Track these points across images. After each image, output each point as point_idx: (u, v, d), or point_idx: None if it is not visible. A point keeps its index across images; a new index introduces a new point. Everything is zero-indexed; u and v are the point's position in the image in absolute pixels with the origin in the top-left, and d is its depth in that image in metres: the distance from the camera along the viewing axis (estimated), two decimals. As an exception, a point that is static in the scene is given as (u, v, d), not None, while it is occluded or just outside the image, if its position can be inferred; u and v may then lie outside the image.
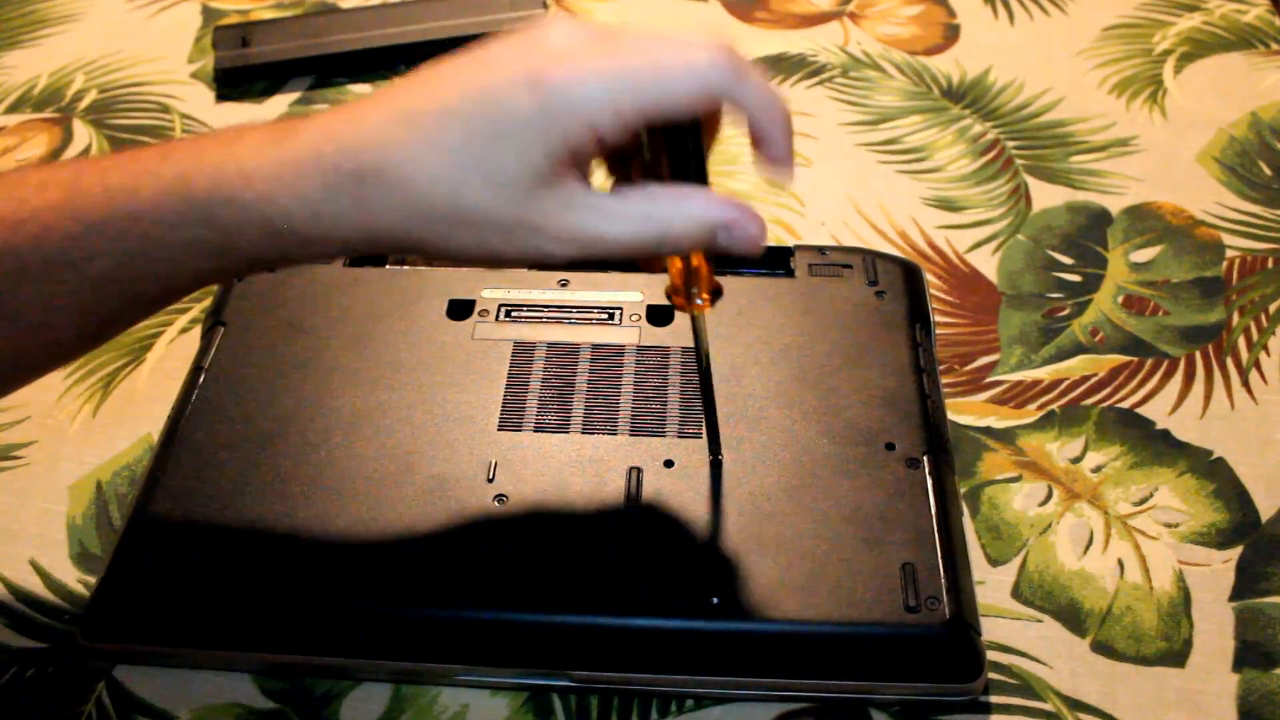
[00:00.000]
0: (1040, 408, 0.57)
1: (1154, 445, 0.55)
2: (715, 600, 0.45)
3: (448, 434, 0.51)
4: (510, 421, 0.52)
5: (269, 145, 0.40)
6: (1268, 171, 0.69)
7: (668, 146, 0.40)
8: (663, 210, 0.40)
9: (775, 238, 0.66)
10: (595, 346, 0.55)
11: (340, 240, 0.40)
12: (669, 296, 0.45)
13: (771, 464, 0.50)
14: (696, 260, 0.43)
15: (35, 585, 0.51)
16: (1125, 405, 0.56)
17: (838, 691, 0.46)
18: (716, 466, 0.50)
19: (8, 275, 0.40)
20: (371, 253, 0.42)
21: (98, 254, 0.40)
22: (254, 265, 0.43)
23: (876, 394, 0.52)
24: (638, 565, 0.46)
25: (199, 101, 0.77)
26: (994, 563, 0.51)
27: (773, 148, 0.41)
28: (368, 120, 0.39)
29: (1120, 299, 0.62)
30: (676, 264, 0.44)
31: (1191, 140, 0.71)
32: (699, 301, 0.44)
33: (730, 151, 0.69)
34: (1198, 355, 0.59)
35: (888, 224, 0.66)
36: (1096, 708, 0.46)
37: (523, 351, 0.55)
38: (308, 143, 0.39)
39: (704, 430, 0.51)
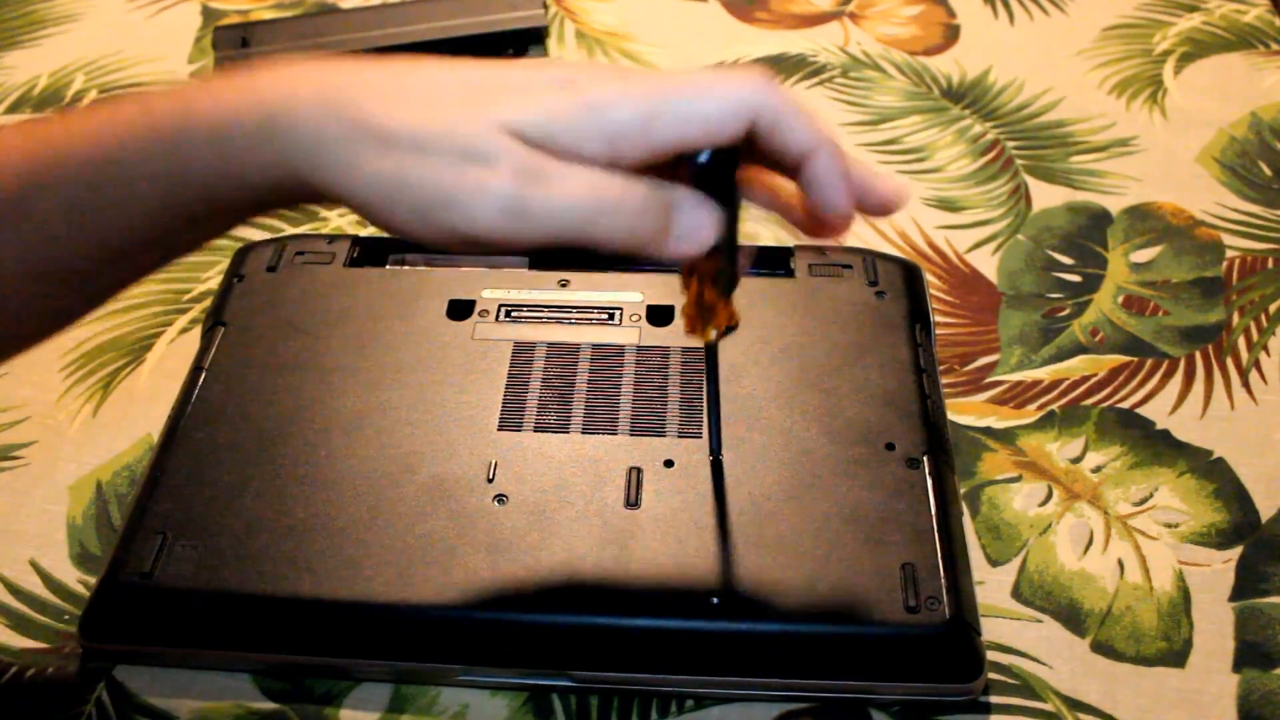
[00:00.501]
0: (1040, 408, 0.57)
1: (1154, 445, 0.55)
2: (715, 600, 0.45)
3: (448, 434, 0.51)
4: (510, 421, 0.52)
5: (245, 73, 0.38)
6: (1268, 171, 0.69)
7: (698, 181, 0.38)
8: (628, 175, 0.36)
9: (775, 238, 0.66)
10: (595, 346, 0.55)
11: (290, 172, 0.37)
12: (690, 330, 0.44)
13: (771, 464, 0.50)
14: (709, 296, 0.43)
15: (35, 585, 0.51)
16: (1125, 405, 0.56)
17: (838, 691, 0.46)
18: (717, 466, 0.50)
19: None
20: (313, 198, 0.39)
21: (47, 192, 0.38)
22: (209, 208, 0.39)
23: (876, 394, 0.52)
24: (638, 565, 0.46)
25: (199, 101, 0.77)
26: (994, 563, 0.51)
27: (825, 178, 0.38)
28: (352, 70, 0.38)
29: (1120, 299, 0.62)
30: (693, 294, 0.43)
31: (1191, 140, 0.71)
32: (713, 332, 0.44)
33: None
34: (1198, 355, 0.59)
35: (888, 224, 0.66)
36: (1096, 708, 0.46)
37: (523, 351, 0.55)
38: (283, 69, 0.38)
39: (706, 429, 0.51)
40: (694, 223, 0.38)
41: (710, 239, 0.38)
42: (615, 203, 0.36)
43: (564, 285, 0.58)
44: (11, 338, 0.43)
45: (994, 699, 0.46)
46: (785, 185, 0.41)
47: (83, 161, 0.38)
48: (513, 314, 0.57)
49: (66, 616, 0.50)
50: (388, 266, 0.60)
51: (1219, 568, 0.50)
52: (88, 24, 0.84)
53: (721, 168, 0.38)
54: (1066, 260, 0.64)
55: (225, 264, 0.62)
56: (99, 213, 0.39)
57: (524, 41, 0.80)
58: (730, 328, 0.44)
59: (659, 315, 0.57)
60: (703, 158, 0.37)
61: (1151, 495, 0.53)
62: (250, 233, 0.67)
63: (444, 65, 0.38)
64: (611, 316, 0.57)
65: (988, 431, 0.56)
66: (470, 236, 0.36)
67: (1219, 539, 0.51)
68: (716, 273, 0.42)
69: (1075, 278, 0.63)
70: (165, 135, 0.38)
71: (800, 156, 0.38)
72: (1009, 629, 0.48)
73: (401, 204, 0.36)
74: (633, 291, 0.58)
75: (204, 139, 0.37)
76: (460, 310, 0.57)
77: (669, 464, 0.50)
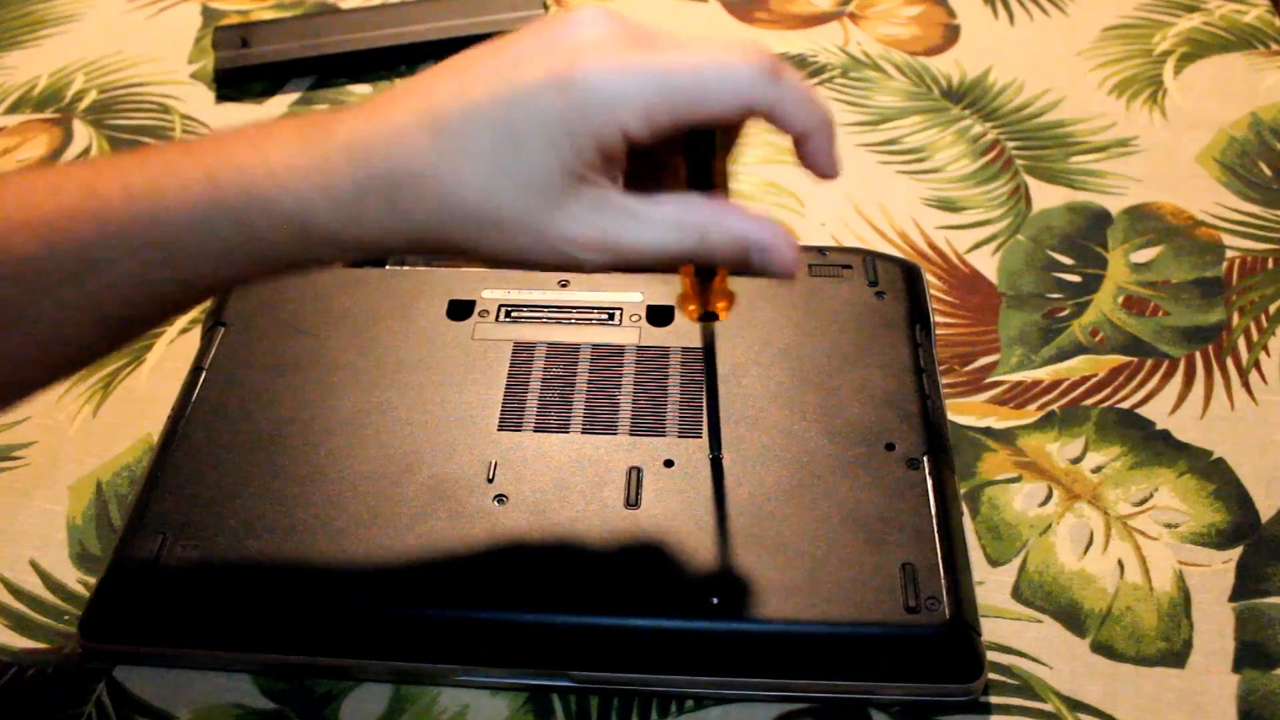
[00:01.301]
0: (1040, 408, 0.57)
1: (1154, 445, 0.55)
2: (715, 600, 0.45)
3: (448, 434, 0.51)
4: (510, 421, 0.52)
5: (298, 145, 0.39)
6: (1268, 171, 0.69)
7: (685, 152, 0.40)
8: (700, 220, 0.39)
9: (775, 238, 0.66)
10: (595, 346, 0.55)
11: (372, 241, 0.39)
12: (680, 306, 0.45)
13: (771, 464, 0.50)
14: (719, 275, 0.43)
15: (35, 585, 0.51)
16: (1125, 405, 0.56)
17: (838, 692, 0.46)
18: (717, 466, 0.50)
19: (20, 282, 0.39)
20: (404, 253, 0.42)
21: (117, 259, 0.39)
22: (279, 267, 0.41)
23: (876, 394, 0.52)
24: (638, 565, 0.46)
25: (199, 102, 0.77)
26: (994, 563, 0.51)
27: (817, 154, 0.40)
28: (396, 121, 0.38)
29: (1120, 299, 0.62)
30: (690, 274, 0.43)
31: (1191, 140, 0.71)
32: (713, 313, 0.44)
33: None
34: (1198, 355, 0.59)
35: (888, 224, 0.66)
36: (1096, 708, 0.46)
37: (523, 352, 0.55)
38: (337, 143, 0.38)
39: (705, 428, 0.51)
40: (774, 262, 0.40)
41: (795, 268, 0.40)
42: (693, 252, 0.40)
43: (564, 285, 0.58)
44: (63, 373, 0.44)
45: (994, 699, 0.46)
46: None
47: (150, 234, 0.39)
48: (513, 314, 0.57)
49: (66, 616, 0.50)
50: (388, 266, 0.60)
51: (1219, 568, 0.50)
52: (88, 24, 0.84)
53: (704, 142, 0.40)
54: (1066, 260, 0.64)
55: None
56: (169, 276, 0.40)
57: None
58: (713, 314, 0.44)
59: (659, 315, 0.57)
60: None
61: (1151, 495, 0.53)
62: (250, 233, 0.67)
63: (461, 90, 0.38)
64: (611, 316, 0.57)
65: (988, 431, 0.56)
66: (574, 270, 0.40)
67: (1219, 539, 0.51)
68: None
69: (1075, 278, 0.63)
70: (234, 216, 0.38)
71: (797, 135, 0.40)
72: (1009, 629, 0.48)
73: (519, 264, 0.40)
74: (633, 291, 0.58)
75: (279, 221, 0.38)
76: (460, 310, 0.57)
77: (669, 464, 0.50)
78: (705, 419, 0.51)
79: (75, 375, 0.53)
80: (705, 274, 0.44)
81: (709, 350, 0.47)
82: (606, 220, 0.38)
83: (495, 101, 0.37)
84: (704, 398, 0.51)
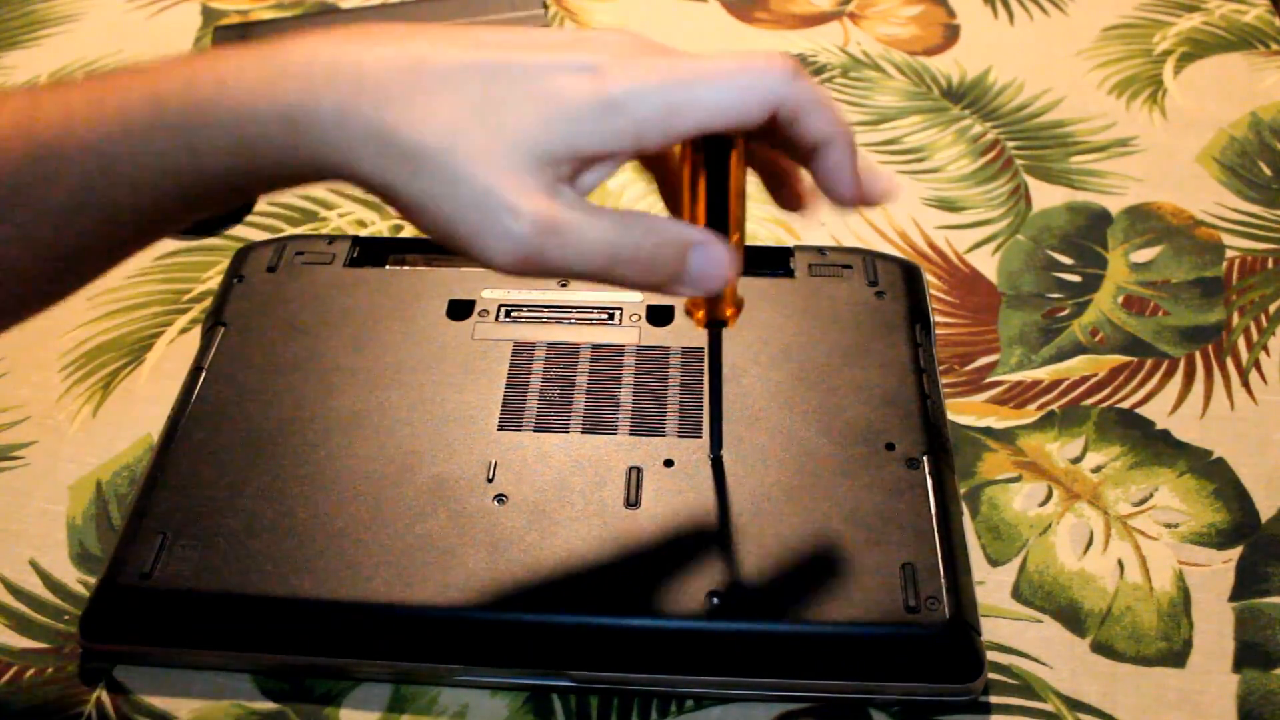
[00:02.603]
0: (1040, 408, 0.57)
1: (1154, 445, 0.55)
2: (715, 600, 0.45)
3: (448, 434, 0.51)
4: (510, 421, 0.52)
5: (250, 59, 0.37)
6: (1268, 171, 0.69)
7: (707, 163, 0.39)
8: (647, 221, 0.38)
9: (775, 238, 0.66)
10: (595, 346, 0.55)
11: (309, 161, 0.37)
12: (689, 312, 0.44)
13: (771, 464, 0.50)
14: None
15: (35, 585, 0.51)
16: (1125, 405, 0.56)
17: (838, 691, 0.46)
18: (717, 466, 0.50)
19: None
20: (331, 181, 0.38)
21: (53, 178, 0.37)
22: (220, 192, 0.39)
23: (876, 394, 0.52)
24: (638, 565, 0.46)
25: (199, 101, 0.77)
26: (994, 563, 0.51)
27: (837, 170, 0.39)
28: (378, 50, 0.37)
29: (1120, 299, 0.62)
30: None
31: (1191, 140, 0.71)
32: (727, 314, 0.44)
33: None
34: (1198, 355, 0.59)
35: (888, 224, 0.66)
36: (1096, 708, 0.46)
37: (523, 351, 0.55)
38: (297, 61, 0.37)
39: (706, 429, 0.51)
40: (709, 265, 0.39)
41: (725, 282, 0.39)
42: (630, 255, 0.37)
43: (564, 285, 0.58)
44: (11, 312, 0.42)
45: (994, 699, 0.46)
46: (781, 162, 0.42)
47: (87, 147, 0.37)
48: (513, 314, 0.57)
49: (66, 616, 0.50)
50: (388, 266, 0.60)
51: (1219, 568, 0.50)
52: (88, 24, 0.84)
53: (722, 150, 0.39)
54: (1066, 260, 0.64)
55: (225, 264, 0.62)
56: (105, 198, 0.38)
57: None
58: (720, 321, 0.44)
59: (659, 315, 0.57)
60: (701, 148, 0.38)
61: (1151, 495, 0.53)
62: (250, 233, 0.67)
63: (459, 48, 0.37)
64: (611, 316, 0.57)
65: (988, 431, 0.56)
66: (486, 265, 0.37)
67: (1219, 539, 0.51)
68: None
69: (1075, 278, 0.63)
70: (175, 122, 0.37)
71: (815, 146, 0.39)
72: (1009, 629, 0.48)
73: (427, 221, 0.37)
74: (632, 291, 0.58)
75: (219, 128, 0.37)
76: (460, 310, 0.57)
77: (669, 464, 0.50)
78: (707, 420, 0.51)
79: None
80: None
81: (715, 355, 0.47)
82: (556, 204, 0.36)
83: (500, 61, 0.36)
84: (706, 399, 0.51)
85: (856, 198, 0.40)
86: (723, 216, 0.40)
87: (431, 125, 0.36)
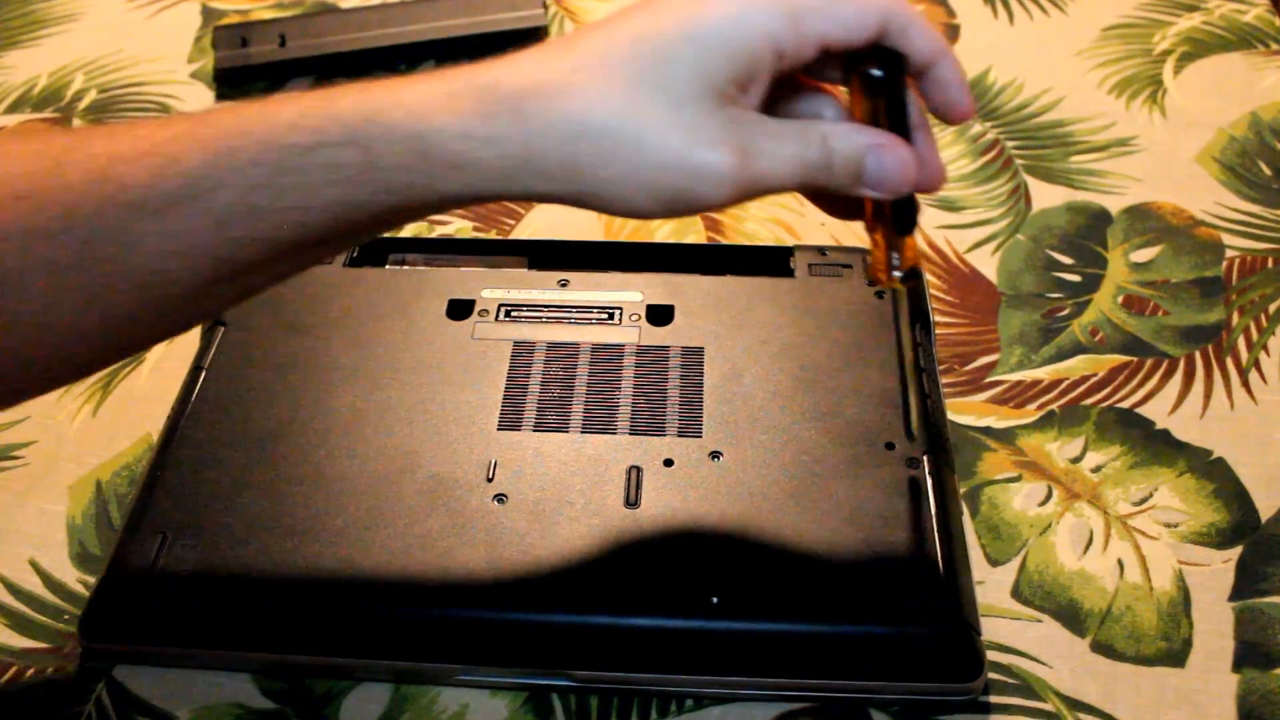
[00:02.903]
0: (1040, 408, 0.57)
1: (1154, 445, 0.55)
2: (715, 600, 0.45)
3: (448, 434, 0.51)
4: (510, 421, 0.52)
5: (421, 79, 0.38)
6: (1268, 171, 0.69)
7: (873, 94, 0.41)
8: (824, 128, 0.40)
9: (775, 238, 0.66)
10: (595, 346, 0.55)
11: (492, 164, 0.38)
12: (872, 272, 0.45)
13: (771, 464, 0.50)
14: (878, 236, 0.43)
15: (35, 585, 0.51)
16: (1125, 405, 0.56)
17: (838, 691, 0.46)
18: (717, 466, 0.50)
19: (125, 209, 0.37)
20: (523, 185, 0.39)
21: (222, 184, 0.37)
22: (393, 205, 0.39)
23: (876, 394, 0.52)
24: (638, 565, 0.46)
25: (199, 101, 0.77)
26: (994, 563, 0.51)
27: (948, 85, 0.41)
28: (524, 60, 0.38)
29: (1120, 299, 0.62)
30: (880, 241, 0.43)
31: (1191, 140, 0.71)
32: (896, 275, 0.44)
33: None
34: (1198, 355, 0.59)
35: (888, 224, 0.66)
36: (1096, 708, 0.46)
37: (523, 351, 0.55)
38: (461, 75, 0.38)
39: (902, 417, 0.51)
40: (888, 164, 0.40)
41: (906, 182, 0.41)
42: (816, 162, 0.39)
43: (564, 285, 0.58)
44: (165, 330, 0.43)
45: (994, 699, 0.46)
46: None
47: (258, 155, 0.37)
48: (513, 314, 0.57)
49: (66, 616, 0.50)
50: (388, 266, 0.60)
51: (1219, 568, 0.50)
52: (87, 24, 0.84)
53: (895, 78, 0.41)
54: (1066, 260, 0.64)
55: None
56: (270, 209, 0.38)
57: (524, 41, 0.80)
58: (915, 271, 0.44)
59: (659, 315, 0.57)
60: (877, 71, 0.41)
61: (1151, 495, 0.53)
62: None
63: (590, 27, 0.39)
64: (611, 316, 0.57)
65: (988, 431, 0.56)
66: (706, 210, 0.40)
67: (1219, 539, 0.51)
68: (898, 208, 0.43)
69: (1075, 278, 0.63)
70: (352, 131, 0.37)
71: (926, 62, 0.41)
72: (1009, 629, 0.48)
73: (642, 200, 0.38)
74: (633, 291, 0.58)
75: (396, 141, 0.37)
76: (460, 310, 0.57)
77: (669, 463, 0.50)
78: (901, 399, 0.51)
79: (181, 333, 0.50)
80: (898, 228, 0.43)
81: (899, 319, 0.48)
82: (745, 133, 0.38)
83: (635, 22, 0.38)
84: (898, 377, 0.51)
85: (970, 109, 0.42)
86: (903, 124, 0.42)
87: (606, 105, 0.37)
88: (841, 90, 0.43)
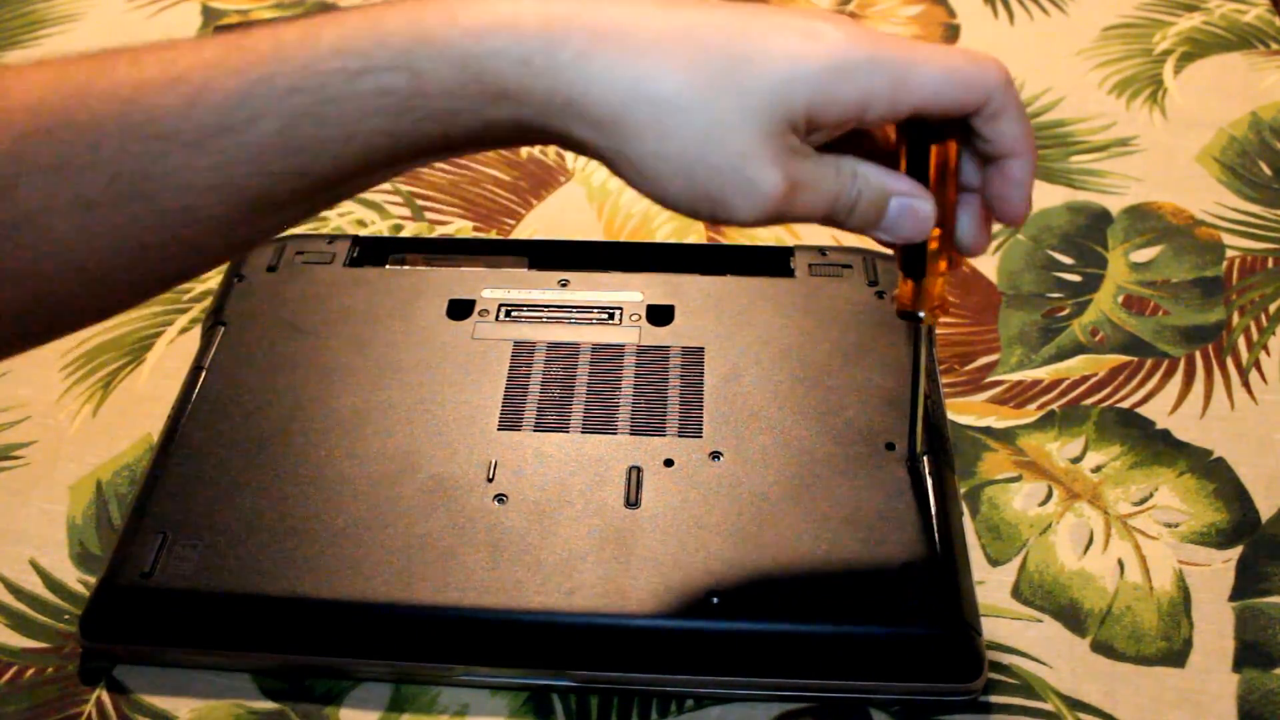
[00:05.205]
0: (1040, 408, 0.57)
1: (1154, 445, 0.55)
2: (715, 600, 0.45)
3: (448, 434, 0.51)
4: (510, 421, 0.52)
5: (481, 2, 0.36)
6: (1268, 171, 0.69)
7: (921, 142, 0.40)
8: (859, 167, 0.39)
9: (775, 238, 0.66)
10: (595, 346, 0.55)
11: (542, 97, 0.35)
12: (900, 314, 0.44)
13: (771, 464, 0.50)
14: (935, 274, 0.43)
15: (35, 585, 0.51)
16: (1125, 405, 0.56)
17: (838, 691, 0.46)
18: (717, 466, 0.50)
19: (156, 141, 0.35)
20: (563, 125, 0.37)
21: (261, 114, 0.35)
22: (434, 135, 0.36)
23: (876, 394, 0.52)
24: (637, 565, 0.46)
25: (199, 101, 0.77)
26: (994, 563, 0.51)
27: (1019, 186, 0.40)
28: (608, 3, 0.36)
29: (1120, 299, 0.62)
30: (908, 283, 0.43)
31: (1191, 140, 0.71)
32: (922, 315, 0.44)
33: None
34: (1198, 355, 0.59)
35: (888, 224, 0.66)
36: (1096, 708, 0.46)
37: (523, 351, 0.55)
38: (528, 5, 0.36)
39: (909, 424, 0.50)
40: (906, 215, 0.40)
41: (919, 233, 0.40)
42: (845, 203, 0.39)
43: (564, 285, 0.58)
44: (198, 265, 0.41)
45: (994, 699, 0.46)
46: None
47: (298, 82, 0.35)
48: (513, 314, 0.57)
49: (66, 616, 0.50)
50: (388, 266, 0.60)
51: (1219, 567, 0.50)
52: (88, 24, 0.84)
53: (948, 135, 0.40)
54: (1066, 260, 0.64)
55: (225, 263, 0.62)
56: (311, 138, 0.36)
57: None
58: (939, 306, 0.44)
59: (659, 315, 0.57)
60: (935, 126, 0.39)
61: (1151, 495, 0.53)
62: (250, 232, 0.67)
63: (697, 5, 0.37)
64: (611, 316, 0.57)
65: (988, 431, 0.56)
66: (724, 222, 0.38)
67: (1219, 539, 0.51)
68: (908, 250, 0.42)
69: (1075, 277, 0.63)
70: (399, 51, 0.35)
71: (1005, 153, 0.39)
72: (1009, 629, 0.48)
73: (674, 187, 0.37)
74: (633, 291, 0.58)
75: (445, 61, 0.35)
76: (460, 310, 0.57)
77: (669, 463, 0.50)
78: (910, 414, 0.50)
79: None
80: (904, 269, 0.43)
81: (916, 353, 0.47)
82: (796, 164, 0.37)
83: (741, 19, 0.36)
84: (909, 399, 0.50)
85: (1023, 217, 0.41)
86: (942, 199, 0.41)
87: (682, 78, 0.35)
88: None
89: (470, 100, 0.36)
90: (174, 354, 0.61)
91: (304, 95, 0.35)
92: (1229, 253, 0.64)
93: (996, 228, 0.67)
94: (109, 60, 0.36)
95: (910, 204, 0.40)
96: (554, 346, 0.55)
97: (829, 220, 0.40)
